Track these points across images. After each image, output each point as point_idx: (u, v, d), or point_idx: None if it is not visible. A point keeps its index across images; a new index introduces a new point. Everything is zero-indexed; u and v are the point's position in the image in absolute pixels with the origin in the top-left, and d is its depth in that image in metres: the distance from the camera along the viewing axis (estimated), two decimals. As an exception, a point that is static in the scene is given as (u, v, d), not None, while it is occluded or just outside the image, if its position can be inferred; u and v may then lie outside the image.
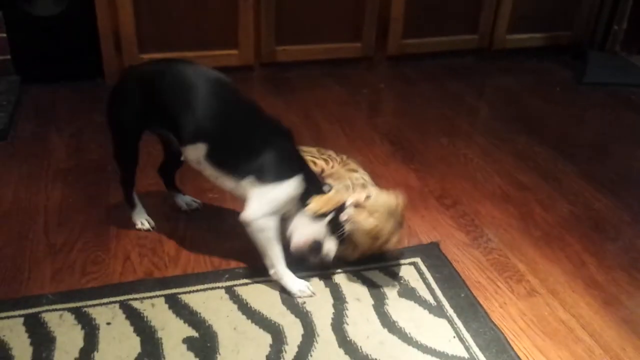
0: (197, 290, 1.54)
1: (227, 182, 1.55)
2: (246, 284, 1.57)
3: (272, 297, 1.54)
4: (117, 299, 1.50)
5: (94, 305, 1.48)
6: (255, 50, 2.77)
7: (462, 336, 1.45)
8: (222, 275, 1.59)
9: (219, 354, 1.36)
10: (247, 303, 1.51)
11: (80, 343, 1.37)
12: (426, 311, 1.53)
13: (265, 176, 1.49)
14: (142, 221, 1.78)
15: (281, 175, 1.50)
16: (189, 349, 1.37)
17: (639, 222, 1.95)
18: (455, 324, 1.49)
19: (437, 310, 1.53)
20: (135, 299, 1.50)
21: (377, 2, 2.86)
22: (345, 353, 1.38)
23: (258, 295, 1.54)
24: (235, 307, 1.49)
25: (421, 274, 1.66)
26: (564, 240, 1.83)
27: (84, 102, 2.54)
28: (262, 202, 1.49)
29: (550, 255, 1.76)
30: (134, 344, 1.38)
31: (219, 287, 1.55)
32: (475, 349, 1.42)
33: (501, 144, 2.37)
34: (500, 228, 1.87)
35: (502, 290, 1.62)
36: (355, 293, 1.57)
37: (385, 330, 1.46)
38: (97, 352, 1.35)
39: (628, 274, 1.71)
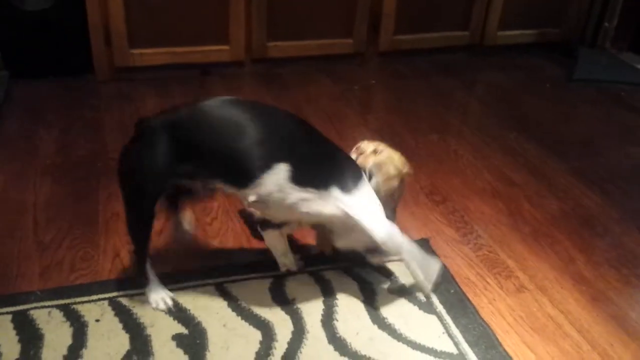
0: (187, 287, 1.53)
1: (310, 203, 1.36)
2: (236, 280, 1.57)
3: (262, 294, 1.53)
4: (106, 295, 1.50)
5: (82, 302, 1.47)
6: (247, 46, 2.75)
7: (451, 332, 1.46)
8: (211, 271, 1.59)
9: (209, 350, 1.36)
10: (237, 300, 1.51)
11: (68, 340, 1.36)
12: (416, 307, 1.54)
13: (348, 184, 1.38)
14: (159, 300, 1.46)
15: (356, 179, 1.41)
16: (178, 345, 1.37)
17: (628, 219, 1.96)
18: (445, 320, 1.50)
19: (426, 307, 1.54)
20: (125, 296, 1.50)
21: (369, -2, 2.86)
22: (335, 349, 1.39)
23: (248, 292, 1.53)
24: (225, 303, 1.49)
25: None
26: (552, 237, 1.84)
27: (73, 98, 2.52)
28: (373, 217, 1.40)
29: (539, 251, 1.77)
30: (123, 341, 1.37)
31: (208, 284, 1.55)
32: (464, 344, 1.43)
33: (491, 141, 2.38)
34: (489, 224, 1.87)
35: (491, 286, 1.63)
36: (346, 289, 1.58)
37: (375, 326, 1.47)
38: (86, 349, 1.34)
39: (616, 270, 1.72)
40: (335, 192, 1.37)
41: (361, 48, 2.97)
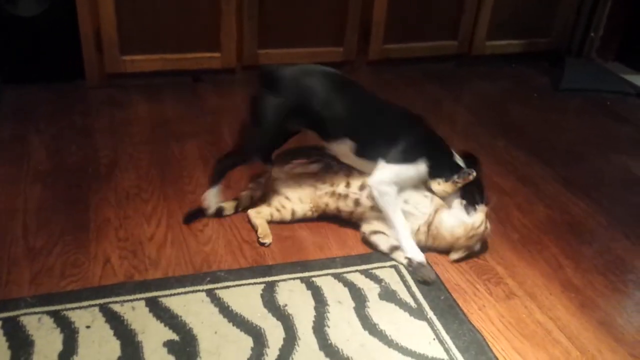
0: (178, 294, 1.53)
1: (364, 167, 1.79)
2: (227, 287, 1.57)
3: (254, 300, 1.54)
4: (97, 302, 1.49)
5: (73, 309, 1.46)
6: (238, 54, 2.76)
7: (441, 338, 1.47)
8: (203, 278, 1.59)
9: (200, 357, 1.36)
10: (228, 306, 1.51)
11: (59, 347, 1.36)
12: (407, 314, 1.55)
13: (393, 159, 1.74)
14: (210, 204, 1.83)
15: (406, 159, 1.74)
16: (169, 352, 1.37)
17: (615, 226, 1.99)
18: (435, 326, 1.51)
19: (417, 313, 1.55)
20: (115, 302, 1.49)
21: (359, 7, 2.87)
22: (326, 356, 1.39)
23: (239, 298, 1.54)
24: (216, 310, 1.49)
25: (402, 277, 1.67)
26: (541, 244, 1.86)
27: (64, 104, 2.51)
28: (385, 173, 1.73)
29: (528, 258, 1.79)
30: (114, 348, 1.37)
31: (200, 290, 1.55)
32: (454, 350, 1.44)
33: (480, 149, 2.40)
34: (479, 231, 1.89)
35: (481, 292, 1.64)
36: (337, 296, 1.58)
37: (366, 332, 1.47)
38: (77, 355, 1.34)
39: (604, 276, 1.75)
40: (381, 162, 1.75)
41: (351, 56, 2.99)
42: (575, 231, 1.94)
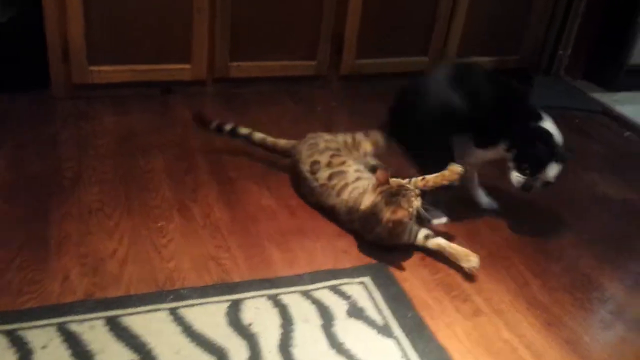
0: (139, 312, 1.49)
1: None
2: (191, 305, 1.53)
3: (218, 319, 1.50)
4: (54, 321, 1.44)
5: (29, 328, 1.41)
6: (209, 66, 2.74)
7: (409, 356, 1.46)
8: (165, 296, 1.55)
9: (161, 378, 1.32)
10: (191, 325, 1.47)
11: (12, 368, 1.30)
12: (374, 331, 1.53)
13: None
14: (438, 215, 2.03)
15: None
16: (128, 373, 1.33)
17: (582, 244, 2.01)
18: (402, 344, 1.49)
19: (384, 331, 1.53)
20: (74, 321, 1.44)
21: (332, 22, 2.88)
22: (291, 376, 1.37)
23: (203, 316, 1.50)
24: (178, 329, 1.45)
25: (370, 293, 1.66)
26: (508, 260, 1.87)
27: (28, 114, 2.45)
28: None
29: (495, 274, 1.79)
30: (71, 369, 1.32)
31: (162, 309, 1.51)
32: (421, 370, 1.42)
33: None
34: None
35: (449, 310, 1.63)
36: (304, 313, 1.56)
37: (333, 351, 1.45)
38: (31, 377, 1.29)
39: (570, 294, 1.75)
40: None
41: (323, 70, 2.99)
42: (543, 248, 1.96)
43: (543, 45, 3.43)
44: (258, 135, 2.20)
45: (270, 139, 2.20)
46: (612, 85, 3.39)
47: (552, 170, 1.86)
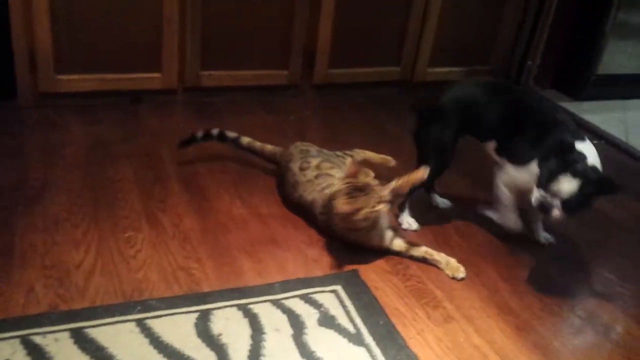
0: (106, 324, 1.46)
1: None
2: (159, 316, 1.50)
3: (186, 330, 1.48)
4: (18, 333, 1.40)
5: (-9, 341, 1.37)
6: (180, 74, 2.72)
7: (379, 365, 1.45)
8: (133, 307, 1.52)
9: (127, 390, 1.29)
10: (159, 336, 1.44)
11: (-28, 383, 1.26)
12: (345, 339, 1.52)
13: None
14: (410, 223, 2.04)
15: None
16: (94, 386, 1.29)
17: (551, 249, 2.03)
18: (373, 353, 1.49)
19: (356, 339, 1.52)
20: (38, 334, 1.40)
21: (304, 32, 2.89)
22: (261, 386, 1.35)
23: (171, 327, 1.47)
24: (146, 340, 1.43)
25: (341, 302, 1.65)
26: (479, 267, 1.88)
27: (-7, 124, 2.40)
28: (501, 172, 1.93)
29: (466, 281, 1.80)
30: (33, 383, 1.28)
31: (129, 320, 1.48)
32: (392, 377, 1.42)
33: (422, 173, 2.42)
34: (419, 255, 1.89)
35: (420, 317, 1.64)
36: (274, 323, 1.54)
37: (304, 360, 1.44)
38: (-9, 392, 1.25)
39: (539, 299, 1.77)
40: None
41: (296, 80, 2.99)
42: (513, 254, 1.97)
43: (512, 56, 3.48)
44: (245, 139, 2.26)
45: (257, 143, 2.26)
46: (580, 95, 3.46)
47: (566, 185, 1.61)
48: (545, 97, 2.06)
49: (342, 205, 1.72)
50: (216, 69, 2.78)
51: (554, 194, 1.63)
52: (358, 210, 1.72)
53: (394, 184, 1.84)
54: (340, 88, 3.11)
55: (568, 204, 1.63)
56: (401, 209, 2.05)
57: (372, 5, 2.99)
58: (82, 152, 2.26)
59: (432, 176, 1.96)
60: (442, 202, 2.22)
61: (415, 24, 3.12)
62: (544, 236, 2.06)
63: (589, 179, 1.61)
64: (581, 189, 1.60)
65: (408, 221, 2.04)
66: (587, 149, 1.70)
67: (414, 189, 1.94)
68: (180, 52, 2.67)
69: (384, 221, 1.86)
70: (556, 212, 1.65)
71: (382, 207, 1.77)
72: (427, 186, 2.11)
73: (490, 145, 1.95)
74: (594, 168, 1.65)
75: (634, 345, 1.64)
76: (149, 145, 2.36)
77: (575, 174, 1.60)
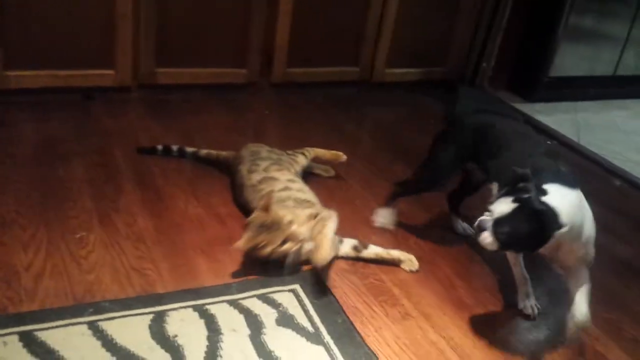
0: (56, 327, 1.41)
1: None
2: (112, 318, 1.46)
3: (140, 331, 1.44)
4: (-39, 339, 1.34)
5: None
6: (134, 71, 2.66)
7: (338, 363, 1.45)
8: (85, 309, 1.47)
9: (78, 395, 1.25)
10: (112, 339, 1.40)
11: None
12: (304, 339, 1.51)
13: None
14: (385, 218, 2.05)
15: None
16: (42, 392, 1.25)
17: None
18: (332, 351, 1.48)
19: (314, 338, 1.52)
20: (-17, 338, 1.35)
21: (262, 30, 2.87)
22: (218, 387, 1.33)
23: (125, 329, 1.43)
24: (98, 343, 1.38)
25: (300, 301, 1.64)
26: (435, 264, 1.90)
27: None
28: None
29: (423, 278, 1.82)
30: (-22, 390, 1.23)
31: (80, 323, 1.43)
32: (350, 375, 1.42)
33: (379, 172, 2.44)
34: (377, 253, 1.90)
35: (378, 314, 1.64)
36: (232, 323, 1.52)
37: (261, 360, 1.42)
38: None
39: (492, 295, 1.80)
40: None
41: (255, 78, 2.97)
42: (468, 251, 2.00)
43: (467, 58, 3.55)
44: (203, 151, 2.29)
45: (214, 152, 2.27)
46: (533, 96, 3.55)
47: (501, 205, 1.47)
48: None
49: (238, 242, 1.66)
50: (172, 66, 2.74)
51: (491, 214, 1.48)
52: (262, 246, 1.66)
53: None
54: (299, 87, 3.11)
55: (499, 228, 1.45)
56: (387, 204, 2.06)
57: (330, 4, 3.00)
58: (31, 151, 2.19)
59: (420, 185, 2.04)
60: (462, 227, 2.09)
61: (372, 25, 3.14)
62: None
63: (528, 207, 1.43)
64: (515, 214, 1.44)
65: (383, 220, 2.05)
66: (564, 195, 1.50)
67: (405, 193, 2.04)
68: (134, 48, 2.62)
69: (309, 245, 1.75)
70: (485, 235, 1.47)
71: (288, 247, 1.68)
72: (451, 207, 2.12)
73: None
74: (544, 203, 1.45)
75: (586, 340, 1.68)
76: (100, 144, 2.30)
77: (516, 200, 1.45)
